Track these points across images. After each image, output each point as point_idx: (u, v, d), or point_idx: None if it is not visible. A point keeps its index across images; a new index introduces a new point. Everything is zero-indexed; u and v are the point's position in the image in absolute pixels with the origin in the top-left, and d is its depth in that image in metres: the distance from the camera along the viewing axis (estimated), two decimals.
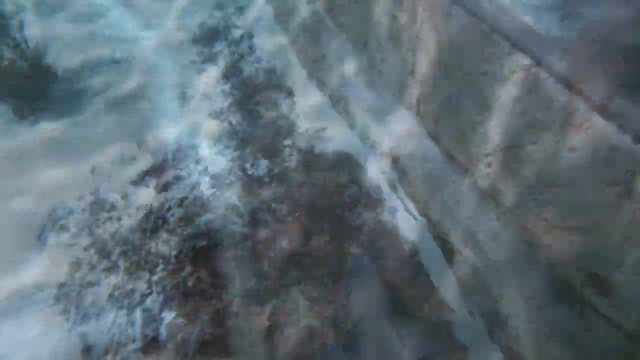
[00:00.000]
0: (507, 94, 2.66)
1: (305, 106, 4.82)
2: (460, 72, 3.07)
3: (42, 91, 5.20)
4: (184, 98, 5.10)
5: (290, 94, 4.95)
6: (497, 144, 2.90)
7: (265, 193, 4.10)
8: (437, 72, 3.39)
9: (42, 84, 5.22)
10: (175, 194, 4.25)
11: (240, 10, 6.41)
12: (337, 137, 4.47)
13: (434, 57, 3.37)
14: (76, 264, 3.86)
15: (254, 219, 3.94)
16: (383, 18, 4.05)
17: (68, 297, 3.67)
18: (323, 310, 3.37)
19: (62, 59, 5.74)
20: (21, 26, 5.33)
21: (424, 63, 3.55)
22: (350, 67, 4.63)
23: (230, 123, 4.75)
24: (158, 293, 3.65)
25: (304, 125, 4.63)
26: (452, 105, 3.31)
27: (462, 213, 3.31)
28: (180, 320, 3.49)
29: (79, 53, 5.83)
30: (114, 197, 4.30)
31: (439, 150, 3.74)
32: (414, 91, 3.86)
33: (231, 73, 5.26)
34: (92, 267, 3.83)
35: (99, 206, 4.24)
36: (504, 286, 2.93)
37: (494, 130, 2.89)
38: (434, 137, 3.77)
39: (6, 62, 4.91)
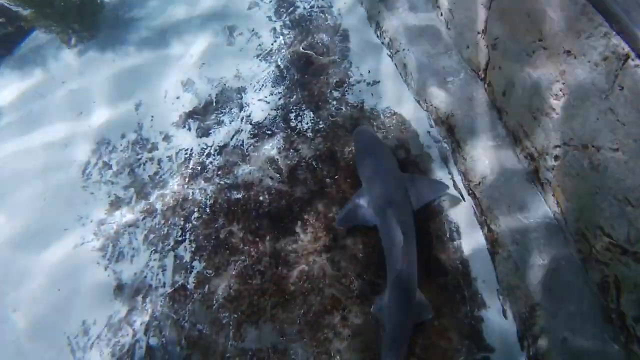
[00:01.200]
0: (593, 82, 2.17)
1: (360, 53, 4.37)
2: (539, 43, 2.55)
3: (89, 20, 5.09)
4: (231, 34, 4.79)
5: (345, 38, 4.50)
6: (569, 138, 2.45)
7: (307, 149, 3.88)
8: (511, 37, 2.85)
9: (89, 13, 5.08)
10: (216, 140, 4.13)
11: None
12: (390, 94, 4.06)
13: (509, 16, 2.82)
14: (116, 203, 3.95)
15: (292, 176, 3.77)
16: None
17: (106, 235, 3.80)
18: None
19: None
20: None
21: (497, 22, 3.00)
22: (414, 13, 4.08)
23: (278, 67, 4.44)
24: (190, 241, 3.67)
25: (356, 76, 4.24)
26: (523, 80, 2.81)
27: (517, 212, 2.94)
28: (209, 271, 3.51)
29: None
30: (156, 137, 4.26)
31: (501, 126, 3.28)
32: (483, 53, 3.33)
33: (283, 9, 4.84)
34: (131, 208, 3.90)
35: (140, 145, 4.23)
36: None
37: (569, 122, 2.43)
38: (499, 111, 3.30)
39: None
